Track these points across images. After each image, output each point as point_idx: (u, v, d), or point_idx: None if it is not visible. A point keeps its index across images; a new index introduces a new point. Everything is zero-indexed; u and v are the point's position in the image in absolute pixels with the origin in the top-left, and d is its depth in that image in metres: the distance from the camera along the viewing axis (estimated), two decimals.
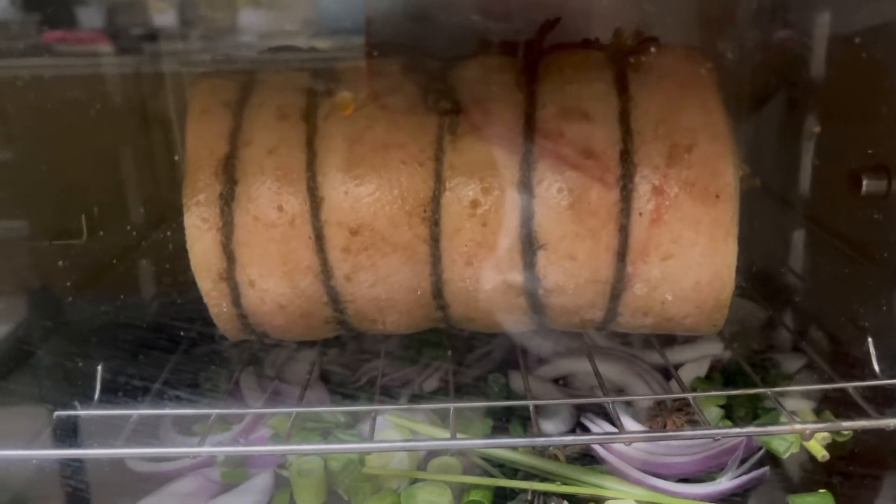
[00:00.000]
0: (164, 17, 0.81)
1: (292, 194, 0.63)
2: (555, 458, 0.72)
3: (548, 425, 0.76)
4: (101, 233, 0.77)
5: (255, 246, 0.63)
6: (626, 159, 0.61)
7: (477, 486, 0.68)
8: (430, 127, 0.63)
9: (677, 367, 0.81)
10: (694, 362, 0.83)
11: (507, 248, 0.62)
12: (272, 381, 0.83)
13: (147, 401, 0.71)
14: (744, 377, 0.77)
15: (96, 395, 0.64)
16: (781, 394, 0.65)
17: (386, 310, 0.66)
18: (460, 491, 0.69)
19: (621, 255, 0.62)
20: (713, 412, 0.77)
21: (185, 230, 0.64)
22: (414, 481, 0.69)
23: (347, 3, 0.73)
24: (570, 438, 0.66)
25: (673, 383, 0.80)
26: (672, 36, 0.70)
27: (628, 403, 0.77)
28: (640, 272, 0.62)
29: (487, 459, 0.71)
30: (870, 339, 0.65)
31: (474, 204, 0.62)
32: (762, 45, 0.93)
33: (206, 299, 0.66)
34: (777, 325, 0.86)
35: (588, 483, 0.68)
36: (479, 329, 0.71)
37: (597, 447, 0.71)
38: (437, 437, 0.71)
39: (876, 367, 0.64)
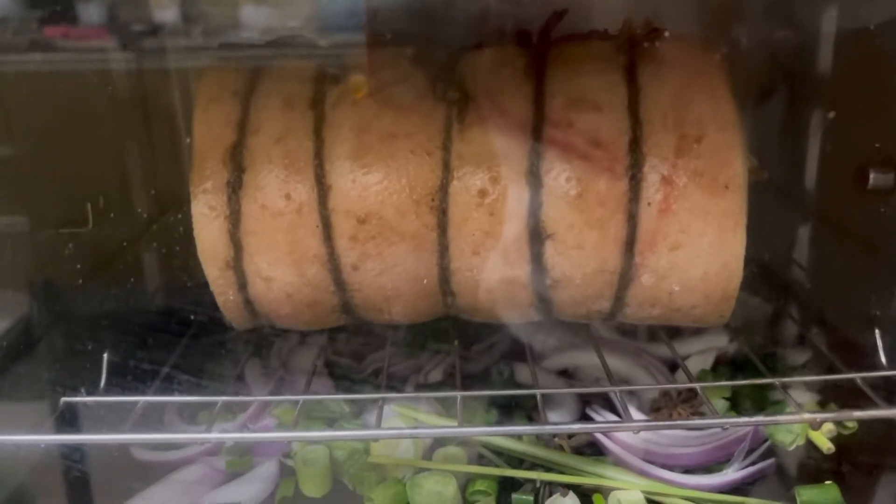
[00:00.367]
0: (166, 12, 0.80)
1: (300, 182, 0.62)
2: (560, 448, 0.72)
3: (553, 416, 0.76)
4: (107, 222, 0.77)
5: (263, 234, 0.63)
6: (635, 149, 0.61)
7: (482, 476, 0.68)
8: (438, 116, 0.63)
9: (683, 359, 0.81)
10: (699, 355, 0.83)
11: (515, 238, 0.62)
12: (277, 371, 0.83)
13: (152, 390, 0.71)
14: (750, 369, 0.77)
15: (102, 383, 0.64)
16: (787, 385, 0.64)
17: (393, 299, 0.66)
18: (465, 481, 0.69)
19: (629, 245, 0.61)
20: (719, 404, 0.77)
21: (193, 218, 0.64)
22: (419, 471, 0.69)
23: None
24: (577, 426, 0.66)
25: (678, 376, 0.80)
26: (677, 28, 0.70)
27: (633, 395, 0.77)
28: (649, 262, 0.62)
29: (492, 450, 0.72)
30: (877, 331, 0.65)
31: (482, 193, 0.62)
32: (768, 40, 0.93)
33: (212, 287, 0.66)
34: (783, 319, 0.86)
35: (593, 473, 0.68)
36: (486, 319, 0.71)
37: (601, 438, 0.71)
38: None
39: (882, 359, 0.64)
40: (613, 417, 0.74)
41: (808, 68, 0.85)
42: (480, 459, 0.71)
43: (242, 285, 0.66)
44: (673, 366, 0.82)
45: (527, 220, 0.62)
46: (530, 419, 0.76)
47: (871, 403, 0.60)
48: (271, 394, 0.78)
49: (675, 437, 0.71)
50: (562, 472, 0.68)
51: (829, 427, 0.74)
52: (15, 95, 0.73)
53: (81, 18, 0.75)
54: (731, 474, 0.68)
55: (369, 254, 0.63)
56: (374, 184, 0.62)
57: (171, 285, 0.87)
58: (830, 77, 0.83)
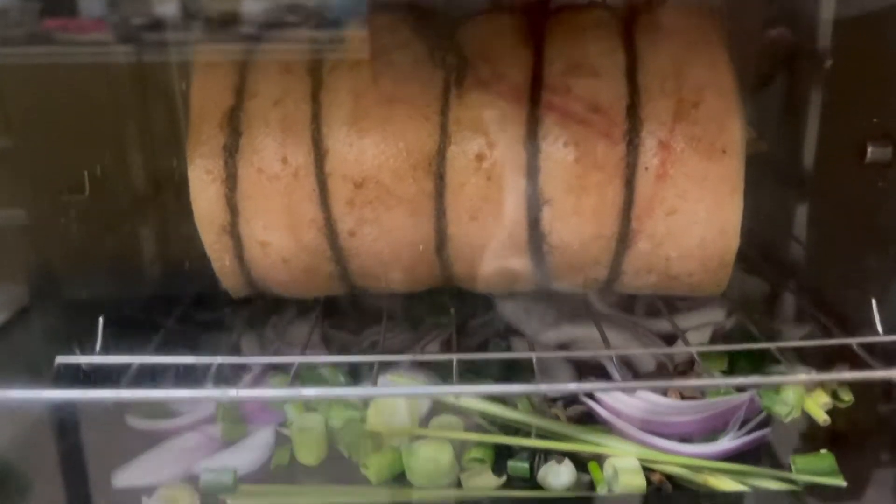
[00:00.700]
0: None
1: (297, 146, 0.62)
2: (556, 418, 0.72)
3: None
4: (104, 190, 0.77)
5: (259, 198, 0.63)
6: (633, 114, 0.61)
7: (478, 444, 0.68)
8: (436, 82, 0.63)
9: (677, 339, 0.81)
10: (696, 330, 0.82)
11: (513, 203, 0.62)
12: (274, 343, 0.83)
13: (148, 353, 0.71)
14: (747, 341, 0.77)
15: (97, 346, 0.64)
16: (783, 350, 0.65)
17: (390, 265, 0.66)
18: (461, 450, 0.69)
19: (626, 210, 0.61)
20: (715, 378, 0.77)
21: (189, 183, 0.64)
22: (415, 439, 0.69)
23: None
24: (573, 386, 0.66)
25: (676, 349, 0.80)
26: None
27: (630, 367, 0.77)
28: (646, 227, 0.62)
29: (488, 420, 0.72)
30: (873, 300, 0.65)
31: (479, 158, 0.62)
32: (767, 19, 0.93)
33: (209, 252, 0.66)
34: (781, 295, 0.86)
35: (589, 441, 0.68)
36: (483, 288, 0.71)
37: (597, 408, 0.71)
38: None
39: (879, 328, 0.64)
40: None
41: (807, 47, 0.85)
42: (477, 429, 0.71)
43: (239, 250, 0.66)
44: (669, 341, 0.82)
45: (524, 185, 0.62)
46: None
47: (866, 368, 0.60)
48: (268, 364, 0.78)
49: (671, 406, 0.71)
50: (558, 441, 0.68)
51: (824, 399, 0.74)
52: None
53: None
54: (726, 443, 0.68)
55: (366, 218, 0.63)
56: (372, 148, 0.62)
57: (169, 258, 0.87)
58: (829, 55, 0.83)
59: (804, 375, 0.60)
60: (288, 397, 0.67)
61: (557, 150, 0.61)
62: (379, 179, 0.62)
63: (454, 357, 0.63)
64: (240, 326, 0.83)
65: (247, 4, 0.70)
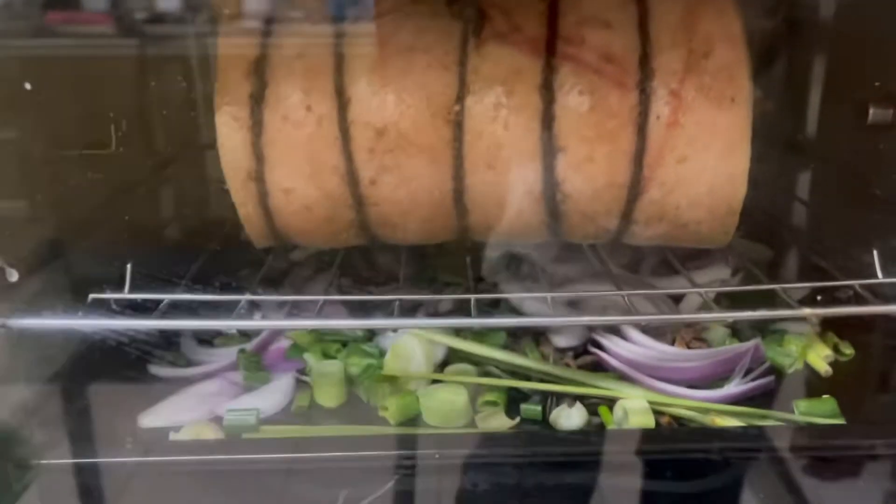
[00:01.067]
0: None
1: (320, 95, 0.65)
2: (566, 367, 0.74)
3: (559, 339, 0.78)
4: (129, 145, 0.79)
5: (284, 145, 0.65)
6: (645, 65, 0.63)
7: (492, 388, 0.71)
8: (455, 33, 0.65)
9: (683, 296, 0.84)
10: (703, 288, 0.85)
11: (528, 151, 0.64)
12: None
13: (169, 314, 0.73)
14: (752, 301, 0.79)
15: (126, 289, 0.66)
16: (787, 290, 0.67)
17: (409, 214, 0.68)
18: (476, 396, 0.71)
19: (638, 158, 0.64)
20: (721, 332, 0.79)
21: (217, 130, 0.66)
22: (431, 384, 0.71)
23: None
24: (586, 319, 0.68)
25: (682, 307, 0.82)
26: None
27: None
28: (657, 175, 0.64)
29: (502, 368, 0.74)
30: (875, 251, 0.68)
31: (496, 107, 0.64)
32: None
33: (234, 199, 0.68)
34: (785, 256, 0.88)
35: (599, 387, 0.70)
36: (498, 239, 0.73)
37: (606, 357, 0.73)
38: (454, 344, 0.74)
39: (879, 274, 0.67)
40: (620, 340, 0.76)
41: (810, 11, 0.87)
42: (490, 377, 0.74)
43: (263, 197, 0.68)
44: (677, 298, 0.84)
45: (540, 133, 0.64)
46: (537, 344, 0.79)
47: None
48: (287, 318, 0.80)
49: (678, 353, 0.73)
50: (569, 385, 0.71)
51: (825, 352, 0.77)
52: None
53: None
54: (731, 388, 0.70)
55: (386, 166, 0.66)
56: (392, 97, 0.64)
57: (191, 216, 0.89)
58: (832, 17, 0.85)
59: (808, 310, 0.62)
60: (316, 326, 0.71)
61: (572, 99, 0.63)
62: (399, 128, 0.64)
63: (472, 297, 0.66)
64: (258, 286, 0.85)
65: None
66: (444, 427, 0.68)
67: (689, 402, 0.68)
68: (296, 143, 0.65)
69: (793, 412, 0.69)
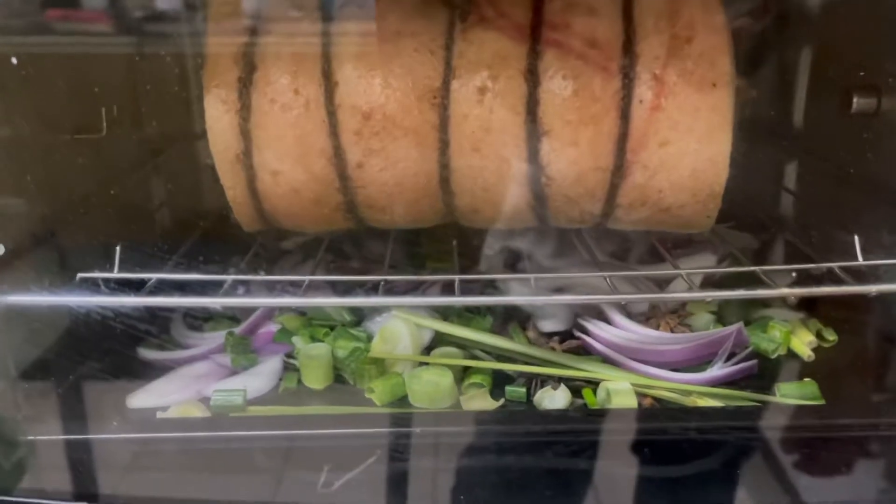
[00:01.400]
0: None
1: (308, 78, 0.65)
2: (552, 350, 0.75)
3: (545, 324, 0.79)
4: (119, 130, 0.80)
5: (271, 128, 0.66)
6: (629, 50, 0.64)
7: (477, 371, 0.71)
8: (441, 17, 0.66)
9: (670, 280, 0.84)
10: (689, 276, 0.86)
11: (513, 135, 0.65)
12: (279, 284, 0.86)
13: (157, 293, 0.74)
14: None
15: (115, 269, 0.67)
16: (767, 272, 0.68)
17: (395, 197, 0.69)
18: (461, 378, 0.72)
19: (622, 142, 0.65)
20: (705, 317, 0.80)
21: (205, 113, 0.67)
22: (417, 366, 0.72)
23: None
24: (568, 298, 0.70)
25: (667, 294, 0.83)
26: None
27: (623, 307, 0.80)
28: (640, 159, 0.65)
29: (487, 351, 0.75)
30: (855, 236, 0.69)
31: (482, 90, 0.65)
32: None
33: (222, 181, 0.69)
34: (769, 244, 0.89)
35: (583, 369, 0.71)
36: (484, 223, 0.74)
37: (591, 341, 0.74)
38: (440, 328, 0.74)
39: (860, 257, 0.68)
40: (605, 325, 0.77)
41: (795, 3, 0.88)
42: (476, 360, 0.74)
43: (251, 180, 0.68)
44: (661, 284, 0.85)
45: (524, 117, 0.65)
46: (524, 329, 0.79)
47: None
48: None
49: (661, 337, 0.74)
50: (554, 367, 0.71)
51: (809, 338, 0.78)
52: None
53: None
54: (714, 371, 0.71)
55: (373, 149, 0.66)
56: (379, 80, 0.65)
57: (180, 202, 0.90)
58: (817, 8, 0.86)
59: (786, 289, 0.63)
60: (301, 304, 0.73)
61: (556, 84, 0.64)
62: (386, 110, 0.65)
63: (456, 277, 0.66)
64: (246, 272, 0.86)
65: None
66: (429, 409, 0.69)
67: (671, 385, 0.69)
68: (283, 126, 0.66)
69: (775, 395, 0.69)
